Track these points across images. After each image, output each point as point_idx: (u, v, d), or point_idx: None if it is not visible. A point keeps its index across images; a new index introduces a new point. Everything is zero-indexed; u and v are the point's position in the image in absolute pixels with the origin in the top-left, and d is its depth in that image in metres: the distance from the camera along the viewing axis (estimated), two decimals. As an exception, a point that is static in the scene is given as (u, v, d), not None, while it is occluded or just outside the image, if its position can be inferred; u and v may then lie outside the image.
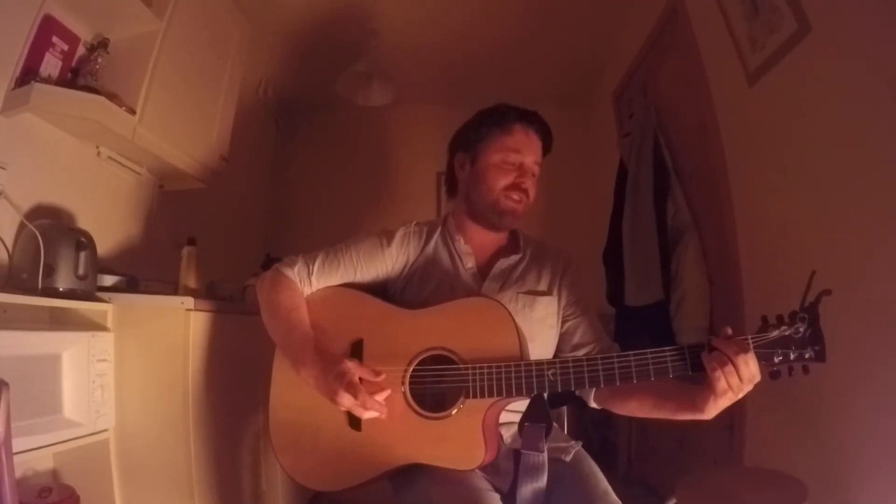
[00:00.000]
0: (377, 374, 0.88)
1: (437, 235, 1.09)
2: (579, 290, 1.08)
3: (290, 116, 3.24)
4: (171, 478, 1.25)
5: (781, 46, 1.32)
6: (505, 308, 0.89)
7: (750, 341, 0.76)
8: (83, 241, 1.29)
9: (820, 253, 1.24)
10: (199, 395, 1.28)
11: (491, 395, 0.84)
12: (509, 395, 0.84)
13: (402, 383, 0.90)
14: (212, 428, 1.31)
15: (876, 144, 1.08)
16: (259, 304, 1.04)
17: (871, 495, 1.07)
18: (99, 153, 1.59)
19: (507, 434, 0.98)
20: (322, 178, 3.26)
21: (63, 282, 1.23)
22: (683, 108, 1.91)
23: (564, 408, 1.18)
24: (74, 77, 1.42)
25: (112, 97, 1.40)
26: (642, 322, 1.91)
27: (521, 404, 0.94)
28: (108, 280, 1.42)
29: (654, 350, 0.79)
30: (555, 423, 1.01)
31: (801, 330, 0.74)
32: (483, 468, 0.88)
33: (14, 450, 0.78)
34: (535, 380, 0.83)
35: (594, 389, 0.98)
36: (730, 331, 0.77)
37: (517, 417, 0.94)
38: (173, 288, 1.56)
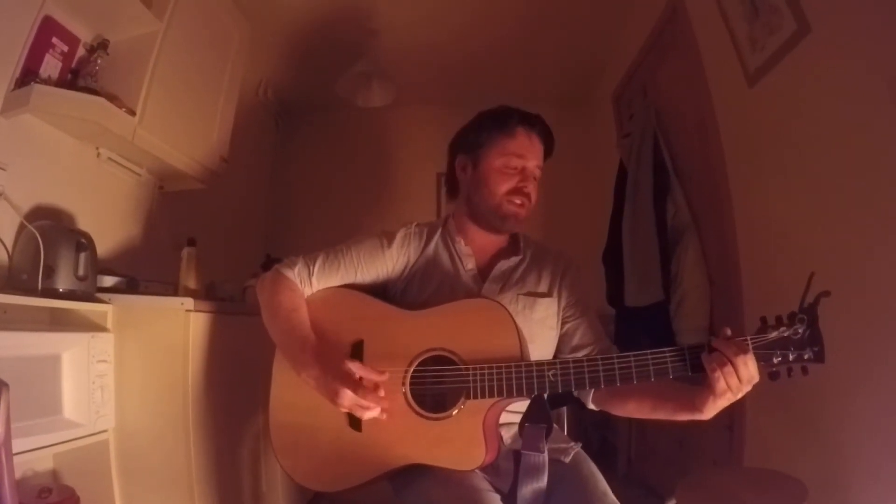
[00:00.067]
0: (380, 373, 0.88)
1: (437, 237, 1.09)
2: (579, 292, 1.08)
3: (290, 117, 3.24)
4: (171, 478, 1.25)
5: (781, 47, 1.32)
6: (505, 309, 0.89)
7: (749, 342, 0.76)
8: (83, 242, 1.29)
9: (820, 253, 1.24)
10: (199, 395, 1.28)
11: (491, 395, 0.84)
12: (510, 395, 0.84)
13: (403, 384, 0.90)
14: (212, 429, 1.31)
15: (876, 145, 1.08)
16: (259, 304, 1.04)
17: (871, 495, 1.07)
18: (99, 154, 1.60)
19: (508, 435, 0.98)
20: (322, 179, 3.27)
21: (63, 283, 1.23)
22: (683, 108, 1.91)
23: (564, 409, 1.18)
24: (74, 78, 1.42)
25: (112, 98, 1.40)
26: (642, 323, 1.91)
27: (521, 405, 0.94)
28: (108, 281, 1.42)
29: (653, 351, 0.79)
30: (554, 424, 1.01)
31: (800, 331, 0.75)
32: (483, 469, 0.89)
33: (14, 450, 0.78)
34: (535, 380, 0.83)
35: (592, 391, 0.98)
36: (729, 331, 0.77)
37: (517, 418, 0.94)
38: (173, 289, 1.56)
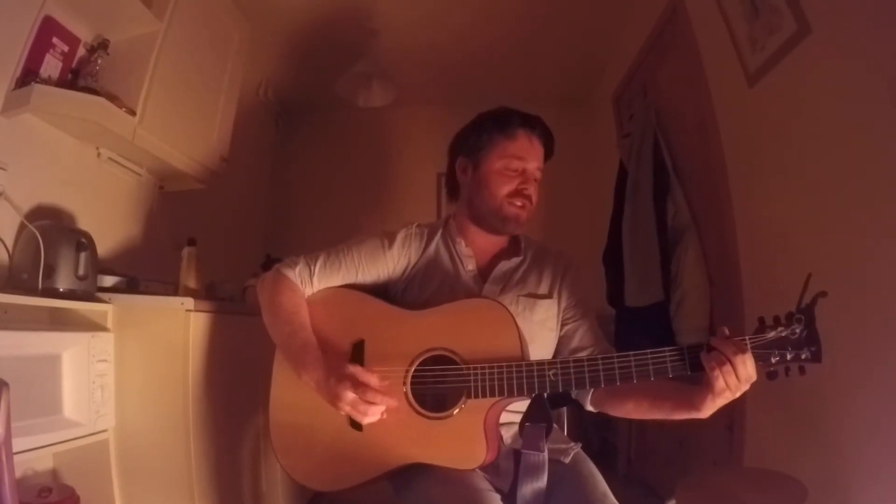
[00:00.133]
0: (380, 378, 0.88)
1: (437, 237, 1.09)
2: (579, 294, 1.08)
3: (290, 117, 3.24)
4: (170, 478, 1.25)
5: (781, 47, 1.32)
6: (506, 309, 0.89)
7: (748, 342, 0.77)
8: (83, 242, 1.29)
9: (820, 253, 1.24)
10: (199, 395, 1.28)
11: (492, 394, 0.84)
12: (510, 395, 0.84)
13: (404, 383, 0.90)
14: (212, 428, 1.31)
15: (876, 145, 1.08)
16: (260, 304, 1.04)
17: (871, 495, 1.07)
18: (99, 154, 1.60)
19: (508, 434, 0.98)
20: (322, 179, 3.27)
21: (63, 282, 1.23)
22: (683, 108, 1.91)
23: (564, 409, 1.18)
24: (75, 78, 1.43)
25: (112, 98, 1.40)
26: (642, 323, 1.91)
27: (522, 405, 0.94)
28: (109, 280, 1.42)
29: (653, 350, 0.80)
30: (554, 425, 1.01)
31: (798, 331, 0.76)
32: (483, 468, 0.89)
33: (14, 450, 0.78)
34: (535, 380, 0.83)
35: (591, 393, 0.99)
36: (727, 331, 0.78)
37: (517, 418, 0.94)
38: (173, 288, 1.56)
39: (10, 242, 1.25)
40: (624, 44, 2.43)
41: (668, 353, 0.79)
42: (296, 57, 2.70)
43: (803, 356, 0.75)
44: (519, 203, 1.02)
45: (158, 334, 1.29)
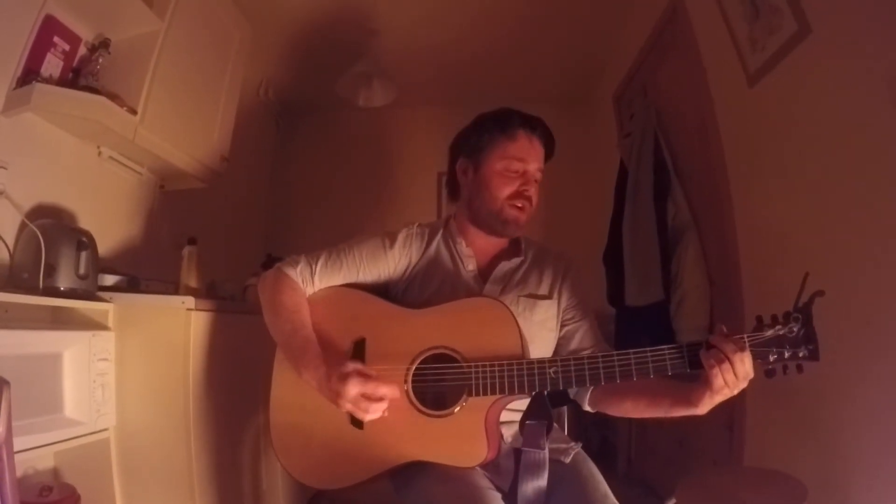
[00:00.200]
0: (379, 381, 0.87)
1: (438, 237, 1.09)
2: (579, 295, 1.08)
3: (290, 117, 3.24)
4: (171, 477, 1.25)
5: (782, 47, 1.32)
6: (507, 307, 0.89)
7: (746, 340, 0.77)
8: (84, 241, 1.29)
9: (820, 253, 1.24)
10: (200, 394, 1.28)
11: (493, 392, 0.84)
12: (511, 392, 0.84)
13: (405, 381, 0.90)
14: (212, 427, 1.31)
15: (876, 145, 1.08)
16: (261, 303, 1.04)
17: (871, 495, 1.07)
18: (100, 153, 1.60)
19: (508, 433, 0.98)
20: (322, 179, 3.27)
21: (64, 281, 1.23)
22: (684, 108, 1.91)
23: (564, 408, 1.18)
24: (76, 77, 1.43)
25: (113, 97, 1.40)
26: (643, 322, 1.91)
27: (521, 404, 0.94)
28: (109, 279, 1.42)
29: (653, 348, 0.80)
30: (555, 424, 1.02)
31: (795, 329, 0.76)
32: (484, 466, 0.89)
33: (15, 448, 0.78)
34: (536, 378, 0.83)
35: (589, 393, 1.00)
36: (724, 329, 0.79)
37: (517, 417, 0.94)
38: (174, 287, 1.56)
39: (10, 241, 1.25)
40: (624, 44, 2.43)
41: (667, 351, 0.80)
42: (296, 57, 2.70)
43: (801, 354, 0.76)
44: (519, 204, 1.02)
45: (159, 333, 1.29)
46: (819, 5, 1.21)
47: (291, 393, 0.99)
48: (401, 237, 1.07)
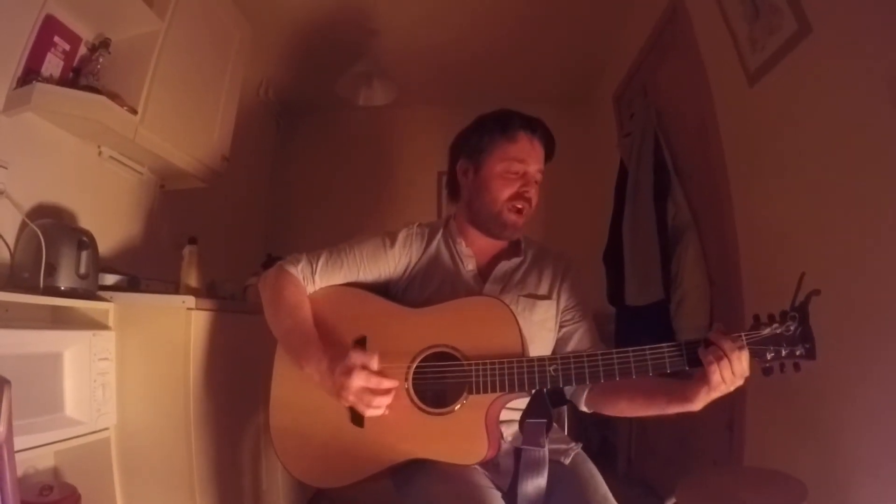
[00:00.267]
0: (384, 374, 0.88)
1: (438, 237, 1.10)
2: (578, 296, 1.09)
3: (290, 117, 3.24)
4: (172, 476, 1.25)
5: (782, 47, 1.32)
6: (507, 306, 0.90)
7: (743, 338, 0.78)
8: (85, 241, 1.29)
9: (820, 253, 1.24)
10: (200, 393, 1.28)
11: (494, 390, 0.85)
12: (511, 390, 0.84)
13: (406, 380, 0.91)
14: (213, 426, 1.31)
15: (875, 145, 1.08)
16: (262, 300, 1.04)
17: (870, 494, 1.07)
18: (100, 153, 1.60)
19: (508, 432, 0.98)
20: (322, 178, 3.27)
21: (64, 281, 1.23)
22: (684, 108, 1.92)
23: (564, 408, 1.18)
24: (76, 77, 1.43)
25: (113, 97, 1.40)
26: (643, 322, 1.91)
27: (521, 403, 0.94)
28: (110, 279, 1.42)
29: (651, 347, 0.81)
30: (554, 424, 1.02)
31: (792, 328, 0.77)
32: (484, 465, 0.89)
33: (15, 448, 0.78)
34: (536, 375, 0.84)
35: (585, 394, 1.00)
36: (722, 328, 0.80)
37: (517, 416, 0.94)
38: (174, 287, 1.56)
39: (11, 241, 1.25)
40: (624, 44, 2.43)
41: (666, 350, 0.80)
42: (296, 57, 2.70)
43: (798, 353, 0.77)
44: (519, 206, 1.03)
45: (159, 333, 1.29)
46: (819, 5, 1.21)
47: (292, 392, 0.99)
48: (401, 237, 1.07)
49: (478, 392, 0.85)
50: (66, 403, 1.15)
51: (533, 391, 0.87)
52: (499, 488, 0.88)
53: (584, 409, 1.02)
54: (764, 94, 1.43)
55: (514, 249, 1.11)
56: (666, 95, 2.11)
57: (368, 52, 2.47)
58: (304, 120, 3.29)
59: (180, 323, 1.28)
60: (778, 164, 1.41)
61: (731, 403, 1.55)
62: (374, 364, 0.85)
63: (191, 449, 1.24)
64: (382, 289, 1.07)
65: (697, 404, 0.81)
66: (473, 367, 0.86)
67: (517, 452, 0.87)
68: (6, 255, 1.24)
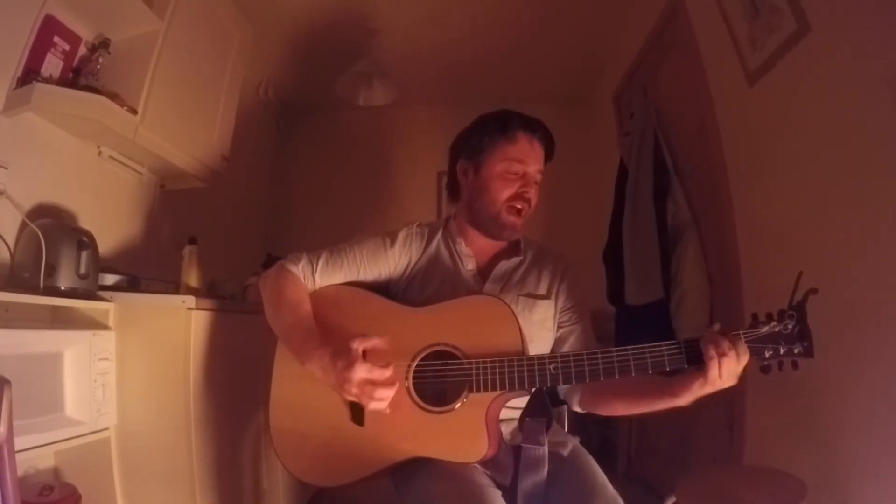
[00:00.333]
0: (383, 349, 0.88)
1: (438, 237, 1.10)
2: (576, 297, 1.09)
3: (290, 116, 3.24)
4: (172, 476, 1.25)
5: (781, 46, 1.32)
6: (507, 305, 0.90)
7: (742, 336, 0.79)
8: (85, 241, 1.29)
9: (820, 252, 1.24)
10: (201, 393, 1.28)
11: (494, 388, 0.85)
12: (512, 388, 0.84)
13: (406, 378, 0.91)
14: (213, 426, 1.31)
15: (875, 144, 1.08)
16: (263, 299, 1.04)
17: (870, 492, 1.07)
18: (100, 153, 1.60)
19: (506, 430, 0.99)
20: (322, 178, 3.27)
21: (65, 281, 1.23)
22: (683, 108, 1.92)
23: (564, 407, 1.18)
24: (76, 77, 1.43)
25: (113, 97, 1.40)
26: (642, 321, 1.91)
27: (521, 401, 0.94)
28: (110, 279, 1.42)
29: (651, 345, 0.81)
30: (555, 423, 1.02)
31: (790, 327, 0.78)
32: (484, 463, 0.89)
33: (16, 448, 0.78)
34: (537, 374, 0.84)
35: (579, 395, 1.01)
36: (718, 326, 0.81)
37: (516, 414, 0.95)
38: (174, 287, 1.57)
39: (11, 241, 1.25)
40: (624, 43, 2.43)
41: (665, 348, 0.81)
42: (296, 57, 2.70)
43: (796, 351, 0.77)
44: (518, 206, 1.03)
45: (160, 333, 1.29)
46: (818, 4, 1.21)
47: (292, 391, 0.99)
48: (401, 236, 1.08)
49: (478, 390, 0.85)
50: (67, 403, 1.15)
51: (533, 390, 0.87)
52: (499, 485, 0.88)
53: (577, 408, 1.03)
54: (763, 93, 1.43)
55: (513, 249, 1.11)
56: (666, 95, 2.11)
57: (368, 52, 2.47)
58: (304, 120, 3.29)
59: (180, 323, 1.28)
60: (777, 163, 1.41)
61: (731, 403, 1.55)
62: (377, 343, 0.85)
63: (191, 449, 1.24)
64: (383, 288, 1.07)
65: (687, 398, 0.82)
66: (474, 366, 0.86)
67: (516, 450, 0.87)
68: (6, 255, 1.24)
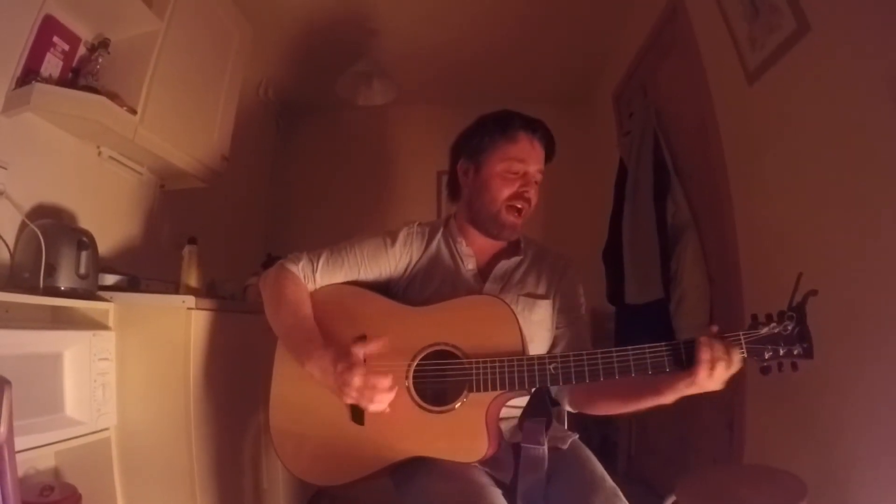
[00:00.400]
0: (383, 346, 0.88)
1: (439, 236, 1.10)
2: (574, 298, 1.09)
3: (290, 116, 3.24)
4: (172, 476, 1.25)
5: (781, 45, 1.32)
6: (507, 305, 0.90)
7: (741, 337, 0.79)
8: (84, 241, 1.29)
9: (819, 252, 1.24)
10: (201, 393, 1.28)
11: (494, 388, 0.85)
12: (512, 388, 0.84)
13: (406, 378, 0.91)
14: (213, 426, 1.31)
15: (875, 144, 1.08)
16: (263, 299, 1.04)
17: (870, 491, 1.07)
18: (100, 153, 1.60)
19: (506, 428, 0.98)
20: (322, 178, 3.27)
21: (64, 281, 1.23)
22: (683, 107, 1.92)
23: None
24: (75, 77, 1.43)
25: (113, 97, 1.40)
26: (642, 320, 1.91)
27: (521, 400, 0.94)
28: (110, 279, 1.42)
29: (650, 345, 0.81)
30: (554, 421, 1.02)
31: (790, 328, 0.77)
32: (484, 462, 0.89)
33: (16, 448, 0.78)
34: (537, 374, 0.84)
35: (568, 395, 1.01)
36: (715, 328, 0.80)
37: (516, 412, 0.95)
38: (174, 287, 1.56)
39: (11, 241, 1.25)
40: (624, 43, 2.44)
41: (664, 348, 0.81)
42: (296, 57, 2.70)
43: (795, 352, 0.77)
44: (518, 205, 1.03)
45: (159, 333, 1.29)
46: (818, 4, 1.21)
47: (292, 390, 0.99)
48: (401, 236, 1.08)
49: (478, 390, 0.85)
50: (67, 403, 1.15)
51: (533, 389, 0.87)
52: (499, 484, 0.88)
53: (568, 408, 1.03)
54: (763, 92, 1.43)
55: (513, 249, 1.11)
56: (665, 94, 2.11)
57: (368, 52, 2.47)
58: (304, 120, 3.29)
59: (180, 323, 1.27)
60: (778, 163, 1.41)
61: (731, 403, 1.55)
62: (377, 347, 0.85)
63: (191, 449, 1.24)
64: (383, 288, 1.07)
65: (671, 397, 0.82)
66: (474, 366, 0.86)
67: (516, 448, 0.88)
68: (6, 256, 1.24)
